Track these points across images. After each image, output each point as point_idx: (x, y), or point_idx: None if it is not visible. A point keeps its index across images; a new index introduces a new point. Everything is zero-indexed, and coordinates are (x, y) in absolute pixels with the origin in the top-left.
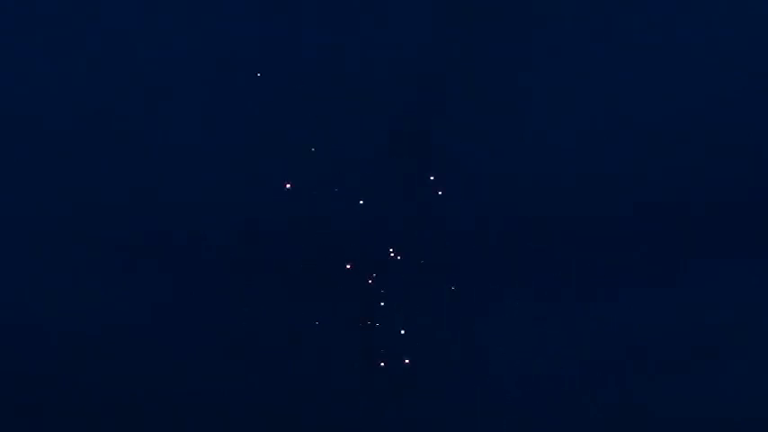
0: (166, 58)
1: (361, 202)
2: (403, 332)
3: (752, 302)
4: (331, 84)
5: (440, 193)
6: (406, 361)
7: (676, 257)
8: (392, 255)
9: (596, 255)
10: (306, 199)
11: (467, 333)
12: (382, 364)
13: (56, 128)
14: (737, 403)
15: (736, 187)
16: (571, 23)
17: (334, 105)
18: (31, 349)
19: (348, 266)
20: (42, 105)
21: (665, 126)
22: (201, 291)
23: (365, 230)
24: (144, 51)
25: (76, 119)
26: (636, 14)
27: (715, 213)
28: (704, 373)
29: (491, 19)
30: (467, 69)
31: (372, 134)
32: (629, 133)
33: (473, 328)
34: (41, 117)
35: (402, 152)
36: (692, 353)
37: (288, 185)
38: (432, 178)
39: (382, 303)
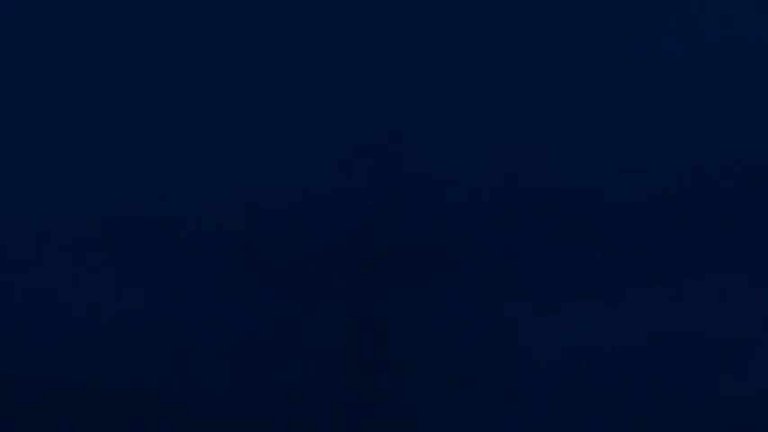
0: (161, 58)
1: (356, 200)
2: (403, 331)
3: (751, 302)
4: (321, 84)
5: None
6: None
7: (678, 258)
8: (388, 253)
9: (597, 254)
10: (297, 198)
11: (466, 332)
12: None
13: (53, 126)
14: (737, 401)
15: (735, 187)
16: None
17: (322, 105)
18: (26, 348)
19: (343, 266)
20: (40, 102)
21: (669, 124)
22: (196, 290)
23: (357, 229)
24: (139, 52)
25: (72, 116)
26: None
27: (716, 213)
28: (708, 372)
29: (483, 14)
30: (463, 67)
31: (367, 132)
32: (632, 131)
33: (473, 328)
34: (39, 114)
35: (397, 148)
36: (694, 352)
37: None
38: (429, 175)
39: (381, 303)
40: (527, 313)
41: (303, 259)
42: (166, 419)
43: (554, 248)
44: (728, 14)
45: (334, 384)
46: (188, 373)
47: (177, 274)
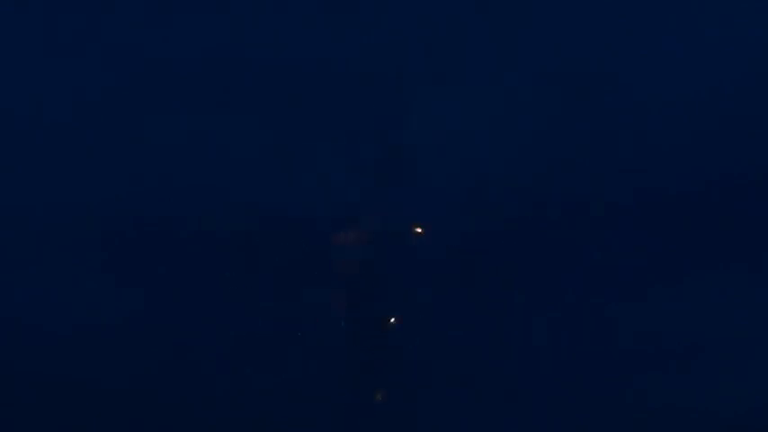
0: (162, 59)
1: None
2: (403, 331)
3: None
4: (322, 85)
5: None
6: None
7: (685, 260)
8: (393, 254)
9: (597, 254)
10: (297, 198)
11: (467, 333)
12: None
13: (54, 127)
14: (737, 401)
15: (738, 191)
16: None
17: (325, 107)
18: (24, 346)
19: (345, 266)
20: (40, 104)
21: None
22: (196, 289)
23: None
24: (142, 52)
25: (73, 117)
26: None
27: (716, 212)
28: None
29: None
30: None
31: (367, 132)
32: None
33: (473, 328)
34: (41, 115)
35: (402, 150)
36: (698, 352)
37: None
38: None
39: (384, 303)
40: (528, 313)
41: (303, 259)
42: (166, 418)
43: (555, 249)
44: (728, 15)
45: (334, 384)
46: (188, 373)
47: (177, 273)
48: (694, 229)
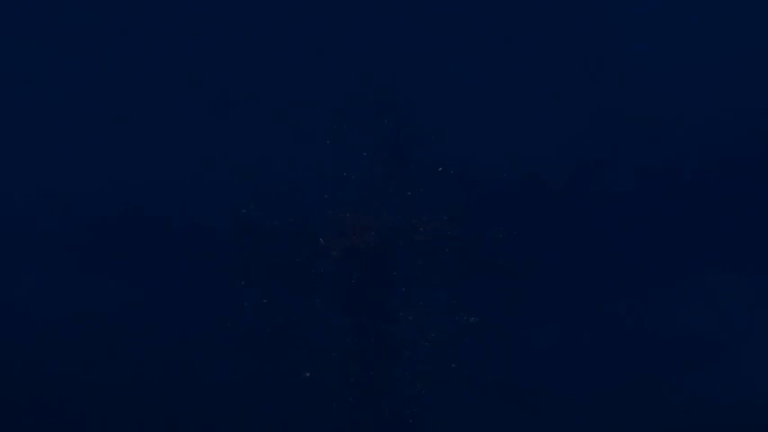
0: (159, 58)
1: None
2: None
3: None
4: (326, 88)
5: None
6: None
7: (692, 262)
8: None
9: (608, 258)
10: (297, 198)
11: (473, 335)
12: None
13: (54, 126)
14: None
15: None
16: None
17: (328, 109)
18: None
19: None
20: (39, 105)
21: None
22: (197, 289)
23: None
24: (134, 51)
25: (72, 116)
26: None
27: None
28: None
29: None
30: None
31: (378, 133)
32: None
33: (475, 329)
34: (38, 115)
35: (408, 149)
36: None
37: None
38: (441, 170)
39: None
40: (533, 313)
41: (303, 260)
42: (164, 417)
43: (558, 250)
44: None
45: (335, 382)
46: (189, 371)
47: (177, 273)
48: (715, 228)
